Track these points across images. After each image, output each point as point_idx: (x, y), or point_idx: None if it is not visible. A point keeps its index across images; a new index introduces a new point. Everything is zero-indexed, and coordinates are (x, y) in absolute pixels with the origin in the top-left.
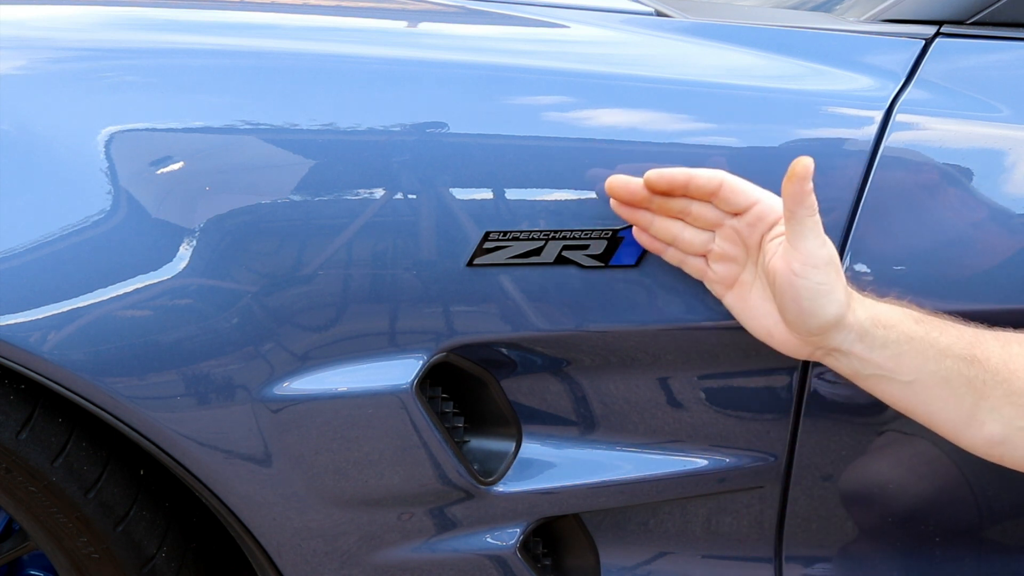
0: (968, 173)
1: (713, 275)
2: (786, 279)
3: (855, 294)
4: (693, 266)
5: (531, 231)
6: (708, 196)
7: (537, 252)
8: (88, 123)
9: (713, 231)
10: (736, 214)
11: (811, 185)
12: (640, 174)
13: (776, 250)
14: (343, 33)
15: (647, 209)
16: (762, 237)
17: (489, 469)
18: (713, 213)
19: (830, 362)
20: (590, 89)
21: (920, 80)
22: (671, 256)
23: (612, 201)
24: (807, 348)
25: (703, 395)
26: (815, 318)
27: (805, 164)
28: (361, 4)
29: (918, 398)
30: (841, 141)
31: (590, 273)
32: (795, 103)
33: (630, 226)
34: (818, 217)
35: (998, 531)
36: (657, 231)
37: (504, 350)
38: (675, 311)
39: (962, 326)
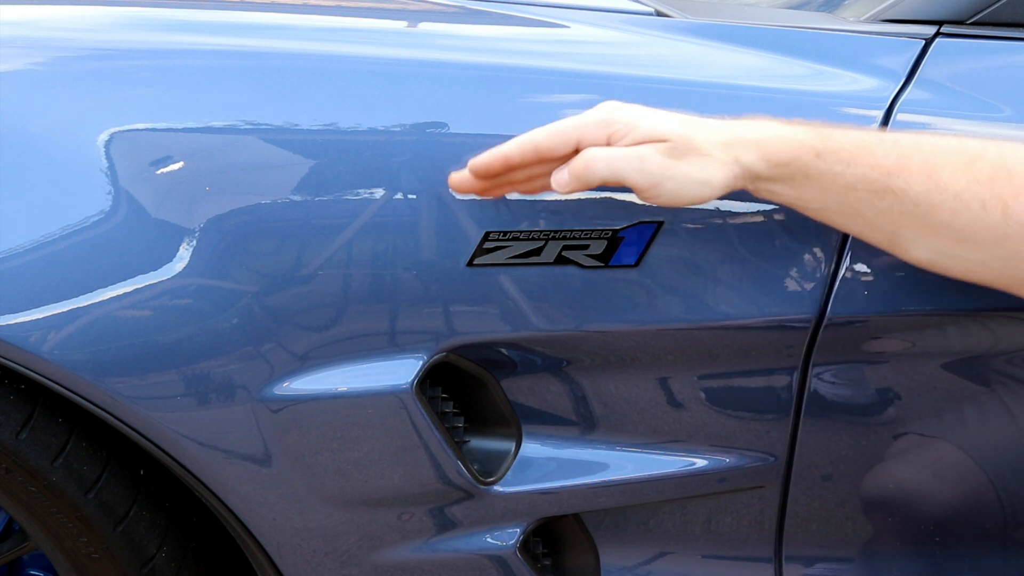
0: None
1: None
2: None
3: (738, 132)
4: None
5: (531, 231)
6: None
7: (537, 252)
8: (88, 123)
9: None
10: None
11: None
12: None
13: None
14: (343, 33)
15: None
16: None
17: (489, 469)
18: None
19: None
20: (590, 89)
21: (920, 80)
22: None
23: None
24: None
25: (703, 395)
26: (688, 201)
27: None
28: (361, 4)
29: (834, 221)
30: None
31: (590, 273)
32: (795, 103)
33: (630, 226)
34: (594, 161)
35: (998, 530)
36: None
37: (504, 350)
38: (675, 311)
39: (883, 150)
